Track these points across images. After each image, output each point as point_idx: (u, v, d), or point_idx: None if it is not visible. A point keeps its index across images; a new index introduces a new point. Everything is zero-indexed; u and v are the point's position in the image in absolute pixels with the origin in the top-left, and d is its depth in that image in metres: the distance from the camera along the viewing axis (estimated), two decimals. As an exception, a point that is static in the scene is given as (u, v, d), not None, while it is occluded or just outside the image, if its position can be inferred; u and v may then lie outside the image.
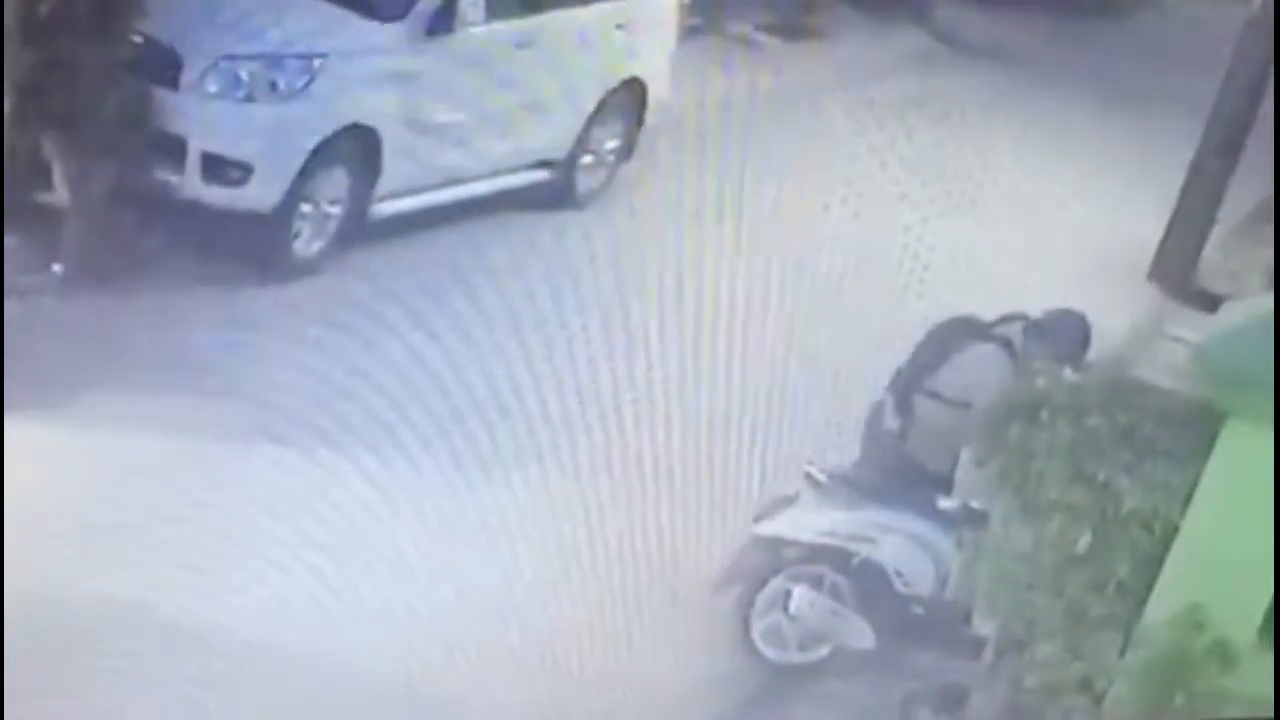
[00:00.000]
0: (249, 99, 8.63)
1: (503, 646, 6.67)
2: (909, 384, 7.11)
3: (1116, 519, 6.12)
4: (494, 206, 9.86)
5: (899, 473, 7.08)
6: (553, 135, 10.11)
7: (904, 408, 7.08)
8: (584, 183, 10.45)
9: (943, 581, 6.96)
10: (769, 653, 7.03)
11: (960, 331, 7.21)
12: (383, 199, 9.22)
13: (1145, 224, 11.19)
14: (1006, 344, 7.09)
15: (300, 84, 8.72)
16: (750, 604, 6.98)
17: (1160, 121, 12.66)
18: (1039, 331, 7.08)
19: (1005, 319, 7.25)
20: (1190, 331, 8.93)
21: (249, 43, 8.69)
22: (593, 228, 10.17)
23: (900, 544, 6.97)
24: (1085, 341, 7.12)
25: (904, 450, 7.08)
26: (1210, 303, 9.74)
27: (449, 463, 7.58)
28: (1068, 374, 6.53)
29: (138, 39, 8.39)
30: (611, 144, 10.52)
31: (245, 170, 8.60)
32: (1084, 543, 6.15)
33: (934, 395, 7.02)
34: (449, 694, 6.40)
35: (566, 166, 10.26)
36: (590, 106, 10.26)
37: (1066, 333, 7.08)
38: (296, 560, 6.82)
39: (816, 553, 6.96)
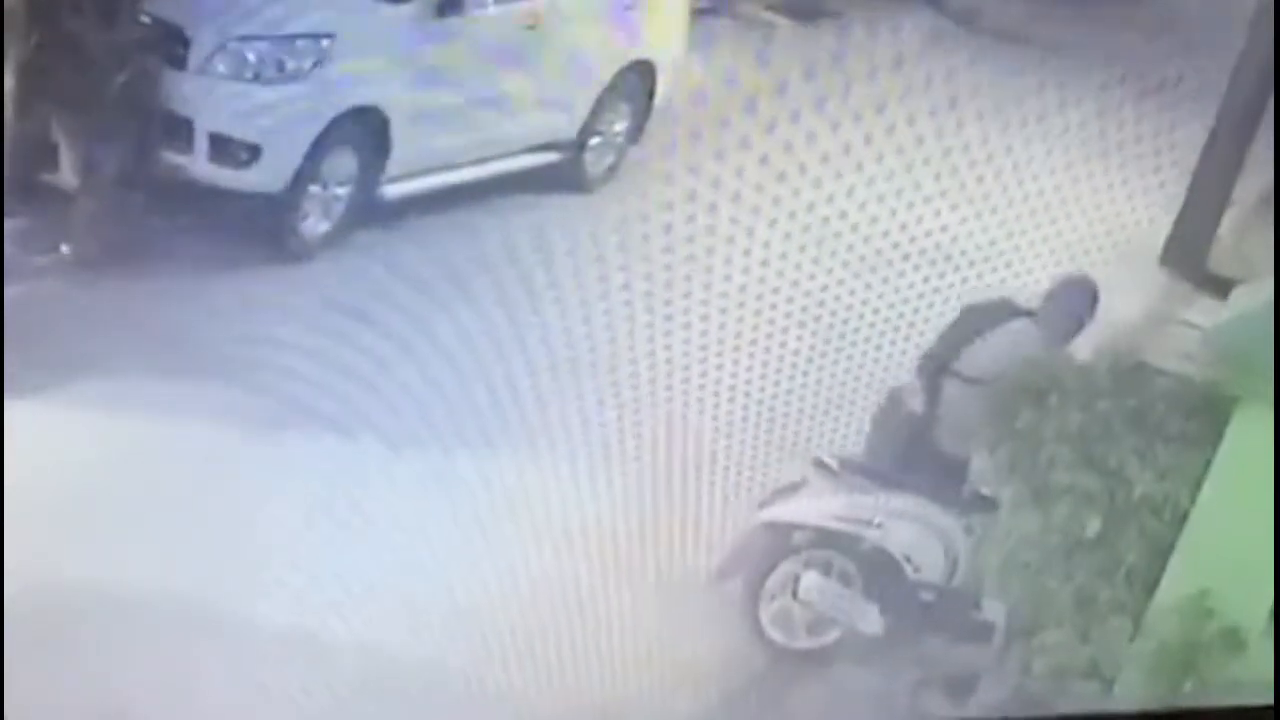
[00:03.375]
0: (257, 80, 8.61)
1: (512, 631, 6.66)
2: (938, 366, 7.07)
3: (1126, 504, 6.12)
4: (502, 188, 9.83)
5: (912, 458, 7.06)
6: (561, 117, 10.08)
7: (932, 391, 7.04)
8: (593, 165, 10.41)
9: (952, 567, 6.95)
10: (777, 637, 7.03)
11: (992, 311, 7.19)
12: (391, 181, 9.20)
13: (1157, 207, 11.14)
14: (1035, 319, 7.05)
15: (309, 65, 8.70)
16: (759, 589, 6.98)
17: (1173, 103, 12.60)
18: (1051, 299, 7.06)
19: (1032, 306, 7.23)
20: (1202, 316, 8.90)
21: (257, 23, 8.66)
22: (602, 210, 10.14)
23: (909, 529, 6.96)
24: (1094, 301, 7.11)
25: (924, 436, 7.05)
26: (1222, 287, 9.68)
27: (457, 446, 7.57)
28: (1078, 355, 6.53)
29: (145, 19, 8.37)
30: (620, 126, 10.48)
31: (253, 151, 8.58)
32: (1093, 528, 6.15)
33: (961, 376, 6.98)
34: (461, 678, 6.40)
35: (575, 148, 10.22)
36: (599, 88, 10.22)
37: (1079, 295, 7.07)
38: (307, 545, 6.82)
39: (825, 538, 6.95)
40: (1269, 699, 5.72)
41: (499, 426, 7.79)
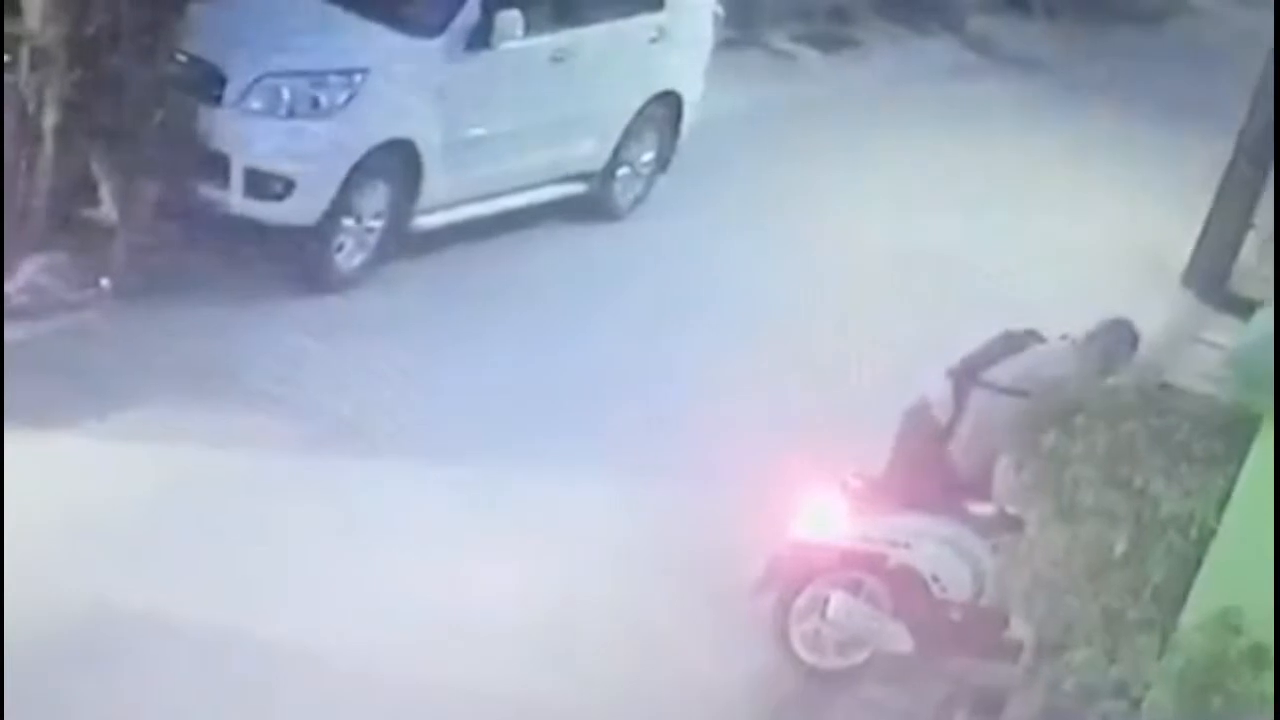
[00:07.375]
0: (291, 115, 8.72)
1: (541, 648, 6.72)
2: (971, 372, 7.05)
3: (1153, 523, 6.12)
4: (532, 219, 9.95)
5: (935, 477, 7.07)
6: (590, 148, 10.19)
7: (960, 398, 7.01)
8: (621, 195, 10.52)
9: (980, 586, 6.96)
10: (808, 657, 7.04)
11: (1026, 337, 7.19)
12: (423, 212, 9.31)
13: (1180, 230, 11.21)
14: (1077, 347, 7.05)
15: (341, 100, 8.81)
16: (788, 609, 6.99)
17: (1194, 127, 12.67)
18: (1093, 340, 7.07)
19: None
20: (1225, 336, 8.95)
21: (291, 60, 8.78)
22: (630, 239, 10.25)
23: (936, 549, 6.97)
24: (1134, 346, 7.13)
25: (945, 453, 7.04)
26: (1245, 308, 9.73)
27: (491, 469, 7.66)
28: (1108, 379, 6.55)
29: (182, 57, 8.50)
30: (648, 156, 10.59)
31: (288, 185, 8.69)
32: (1120, 547, 6.15)
33: (993, 386, 6.95)
34: (486, 694, 6.44)
35: (604, 179, 10.33)
36: (626, 119, 10.33)
37: (1119, 340, 7.08)
38: (341, 569, 6.90)
39: (853, 558, 6.97)
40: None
41: (531, 446, 7.88)
